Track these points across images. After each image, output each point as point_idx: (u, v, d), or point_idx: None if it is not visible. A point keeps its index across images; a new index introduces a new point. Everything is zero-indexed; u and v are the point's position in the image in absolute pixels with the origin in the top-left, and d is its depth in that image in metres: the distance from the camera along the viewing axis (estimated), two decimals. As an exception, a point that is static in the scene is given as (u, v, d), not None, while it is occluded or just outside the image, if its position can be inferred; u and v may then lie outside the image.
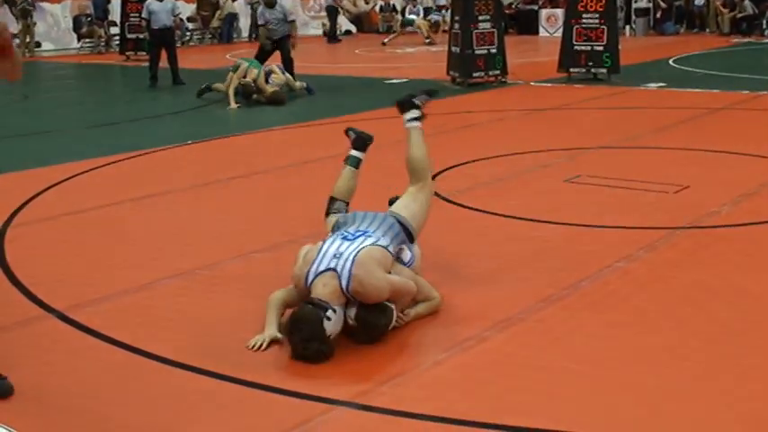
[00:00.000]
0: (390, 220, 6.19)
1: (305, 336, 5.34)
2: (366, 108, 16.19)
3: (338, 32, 37.44)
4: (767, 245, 7.58)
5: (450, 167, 10.68)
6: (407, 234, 6.27)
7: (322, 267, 5.62)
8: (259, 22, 19.42)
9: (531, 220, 8.40)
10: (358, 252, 5.66)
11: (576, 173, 10.27)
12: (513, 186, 9.90)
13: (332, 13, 35.90)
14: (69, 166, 11.30)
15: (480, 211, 8.77)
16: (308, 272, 5.65)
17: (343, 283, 5.53)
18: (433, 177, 9.87)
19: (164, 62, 20.37)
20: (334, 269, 5.58)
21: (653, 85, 18.51)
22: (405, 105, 7.03)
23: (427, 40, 31.82)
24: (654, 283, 6.66)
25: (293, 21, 19.31)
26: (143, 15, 20.52)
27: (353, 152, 7.03)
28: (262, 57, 18.77)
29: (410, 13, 36.87)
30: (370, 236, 5.89)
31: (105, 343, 5.78)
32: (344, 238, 5.83)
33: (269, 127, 14.49)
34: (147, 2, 20.38)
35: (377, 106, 16.45)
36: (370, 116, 15.35)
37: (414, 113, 7.00)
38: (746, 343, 5.56)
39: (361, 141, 7.09)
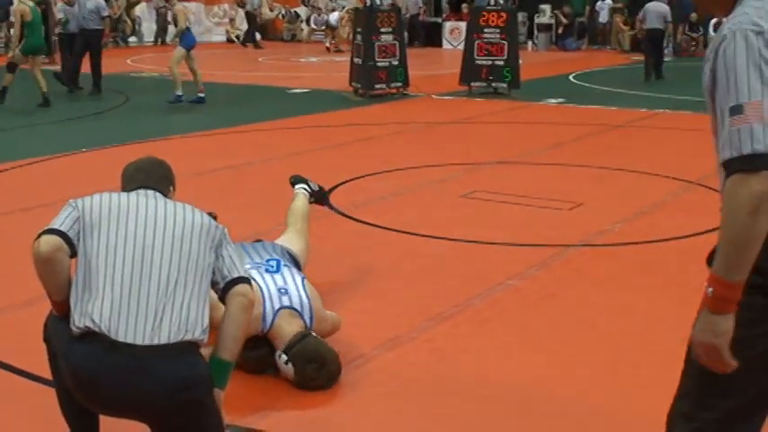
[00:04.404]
0: (279, 248, 6.12)
1: (333, 370, 5.24)
2: (267, 118, 16.10)
3: (241, 39, 37.38)
4: (657, 263, 7.66)
5: (347, 181, 10.62)
6: (296, 264, 6.18)
7: (277, 305, 5.38)
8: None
9: (425, 235, 8.39)
10: (304, 286, 5.57)
11: (472, 188, 10.30)
12: (409, 201, 9.89)
13: (250, 18, 36.05)
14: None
15: (374, 225, 8.74)
16: (265, 312, 5.32)
17: (307, 320, 5.38)
18: (330, 190, 9.94)
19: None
20: (291, 307, 5.38)
21: (552, 101, 18.70)
22: (295, 181, 7.30)
23: (336, 48, 31.99)
24: (543, 301, 6.69)
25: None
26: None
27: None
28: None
29: (317, 23, 36.97)
30: (287, 265, 5.77)
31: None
32: (268, 271, 5.63)
33: (165, 136, 14.29)
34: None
35: (278, 116, 16.40)
36: (270, 126, 15.29)
37: (305, 187, 7.20)
38: (631, 361, 5.61)
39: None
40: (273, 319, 5.31)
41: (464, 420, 4.86)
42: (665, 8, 22.81)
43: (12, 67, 17.46)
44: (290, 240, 6.42)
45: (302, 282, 5.59)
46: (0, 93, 17.52)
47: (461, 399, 5.10)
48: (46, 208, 9.37)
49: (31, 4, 17.76)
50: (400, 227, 8.67)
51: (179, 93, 17.60)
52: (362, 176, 10.96)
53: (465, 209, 9.51)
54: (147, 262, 3.85)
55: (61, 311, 3.95)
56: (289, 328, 5.28)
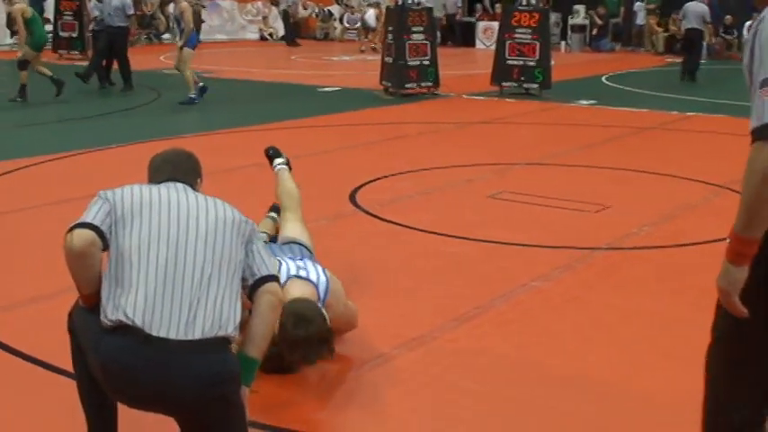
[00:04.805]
0: (307, 251, 6.10)
1: (313, 332, 5.00)
2: (297, 116, 16.11)
3: (274, 37, 37.57)
4: (682, 268, 7.59)
5: (376, 179, 10.61)
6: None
7: (293, 272, 5.38)
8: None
9: (450, 235, 8.36)
10: (325, 271, 5.54)
11: (500, 189, 10.26)
12: (436, 201, 9.86)
13: (286, 17, 36.16)
14: (-14, 167, 11.10)
15: (400, 225, 8.71)
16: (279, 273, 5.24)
17: (321, 294, 5.34)
18: (358, 189, 9.94)
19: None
20: (307, 278, 5.37)
21: (584, 102, 18.61)
22: (274, 154, 7.26)
23: (373, 47, 31.87)
24: (567, 304, 6.65)
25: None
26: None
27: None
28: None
29: (350, 21, 37.01)
30: (310, 260, 5.76)
31: (7, 353, 5.65)
32: (291, 260, 5.60)
33: (194, 132, 14.33)
34: None
35: (308, 114, 16.41)
36: (299, 124, 15.30)
37: (281, 160, 7.14)
38: (650, 366, 5.57)
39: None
40: (284, 284, 5.14)
41: (478, 421, 4.84)
42: (704, 8, 22.71)
43: (24, 64, 17.56)
44: (301, 232, 6.37)
45: (323, 269, 5.56)
46: (20, 90, 17.62)
47: (475, 399, 5.08)
48: (74, 202, 9.42)
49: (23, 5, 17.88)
50: (426, 226, 8.64)
51: (192, 95, 17.57)
52: (390, 175, 10.95)
53: (492, 209, 9.48)
54: (180, 257, 3.85)
55: (89, 304, 3.94)
56: (295, 291, 5.20)
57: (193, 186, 4.26)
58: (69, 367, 4.87)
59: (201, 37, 35.97)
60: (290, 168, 7.16)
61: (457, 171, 11.33)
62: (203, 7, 36.60)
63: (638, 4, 34.25)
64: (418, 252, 7.94)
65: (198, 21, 36.18)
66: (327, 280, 5.46)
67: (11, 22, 31.18)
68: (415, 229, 8.60)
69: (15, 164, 11.34)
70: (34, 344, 5.70)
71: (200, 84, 17.88)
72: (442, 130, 15.07)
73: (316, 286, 5.37)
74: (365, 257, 7.64)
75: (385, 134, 14.34)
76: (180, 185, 4.16)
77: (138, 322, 3.68)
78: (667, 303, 6.69)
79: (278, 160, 7.10)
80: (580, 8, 34.80)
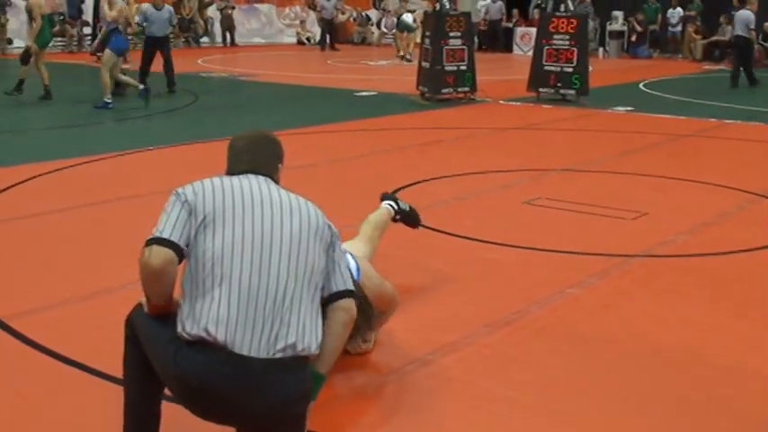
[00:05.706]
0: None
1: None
2: (333, 120, 16.15)
3: (312, 41, 37.67)
4: (719, 276, 7.55)
5: (412, 184, 10.61)
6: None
7: None
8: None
9: (485, 241, 8.35)
10: (352, 255, 5.52)
11: (536, 195, 10.24)
12: (472, 206, 9.85)
13: (328, 23, 36.17)
14: (26, 168, 11.16)
15: (435, 230, 8.68)
16: None
17: (353, 272, 5.24)
18: (394, 193, 9.93)
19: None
20: None
21: (621, 109, 18.53)
22: (387, 198, 7.11)
23: (401, 53, 31.71)
24: (603, 311, 6.62)
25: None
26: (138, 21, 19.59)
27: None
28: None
29: (387, 26, 37.00)
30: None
31: (44, 354, 5.67)
32: None
33: (228, 136, 14.34)
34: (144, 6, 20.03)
35: (344, 119, 16.43)
36: (336, 128, 15.32)
37: (392, 203, 6.99)
38: (688, 375, 5.53)
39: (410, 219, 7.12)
40: None
41: (512, 429, 4.83)
42: (749, 16, 22.51)
43: (27, 58, 17.76)
44: (354, 245, 6.21)
45: (351, 255, 5.45)
46: (17, 85, 17.93)
47: (510, 406, 5.06)
48: (113, 203, 9.51)
49: None
50: (461, 232, 8.64)
51: (107, 99, 17.30)
52: (426, 180, 10.94)
53: (527, 215, 9.46)
54: (264, 270, 3.78)
55: (156, 313, 3.90)
56: None
57: (273, 176, 4.21)
58: (106, 369, 4.93)
59: (238, 40, 36.26)
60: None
61: (493, 177, 11.32)
62: (232, 8, 36.75)
63: (670, 11, 34.07)
64: (453, 257, 7.93)
65: (229, 24, 36.39)
66: (356, 261, 5.42)
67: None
68: (450, 234, 8.60)
69: (54, 165, 11.41)
70: (71, 345, 5.73)
71: (143, 86, 17.73)
72: (479, 136, 15.05)
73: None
74: (399, 262, 7.63)
75: (421, 139, 14.34)
76: (261, 179, 4.11)
77: (221, 339, 3.64)
78: (704, 311, 6.65)
79: (386, 201, 6.95)
80: (618, 14, 34.70)
